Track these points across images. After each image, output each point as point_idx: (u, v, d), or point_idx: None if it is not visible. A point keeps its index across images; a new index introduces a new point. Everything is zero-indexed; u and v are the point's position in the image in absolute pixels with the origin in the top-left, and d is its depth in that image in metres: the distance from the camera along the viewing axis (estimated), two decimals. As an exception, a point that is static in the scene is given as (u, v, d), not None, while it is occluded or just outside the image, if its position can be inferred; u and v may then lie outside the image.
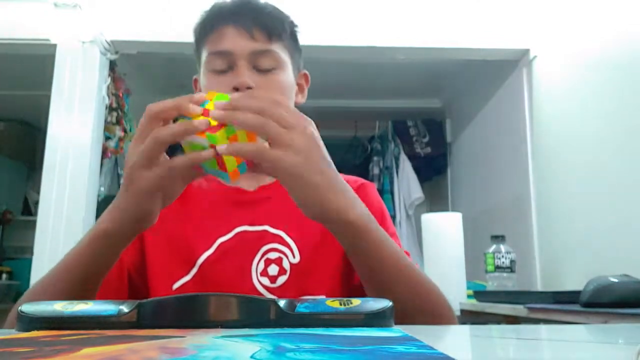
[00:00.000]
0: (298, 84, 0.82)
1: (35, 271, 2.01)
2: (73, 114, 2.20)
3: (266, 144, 0.52)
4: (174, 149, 0.56)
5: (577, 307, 1.14)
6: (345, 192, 0.55)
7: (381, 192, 3.39)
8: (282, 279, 0.70)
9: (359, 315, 0.43)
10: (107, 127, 2.41)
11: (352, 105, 3.67)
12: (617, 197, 1.64)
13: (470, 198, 3.16)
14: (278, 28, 0.75)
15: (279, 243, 0.72)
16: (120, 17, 2.28)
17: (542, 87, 2.22)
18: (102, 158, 2.38)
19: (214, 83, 0.73)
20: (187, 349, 0.30)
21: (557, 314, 1.22)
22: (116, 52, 2.34)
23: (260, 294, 0.69)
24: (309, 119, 0.54)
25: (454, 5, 2.33)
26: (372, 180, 2.53)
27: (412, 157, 3.56)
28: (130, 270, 0.71)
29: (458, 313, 1.94)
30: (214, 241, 0.72)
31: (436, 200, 3.76)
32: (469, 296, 2.01)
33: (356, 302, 0.44)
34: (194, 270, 0.71)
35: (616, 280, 1.12)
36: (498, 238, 2.01)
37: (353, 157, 3.83)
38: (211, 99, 0.53)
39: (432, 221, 2.19)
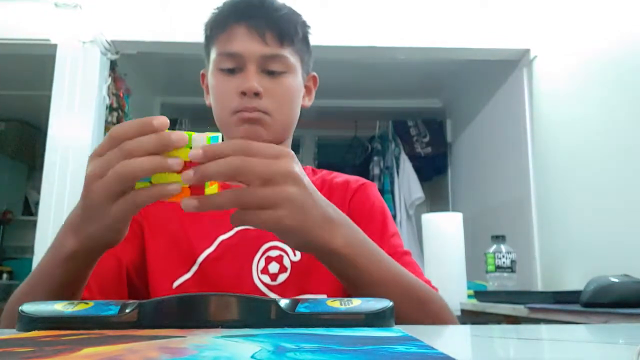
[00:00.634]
0: (306, 87, 0.81)
1: (35, 271, 2.01)
2: (73, 114, 2.20)
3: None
4: None
5: (577, 307, 1.14)
6: (331, 223, 0.52)
7: (382, 192, 3.39)
8: (282, 277, 0.70)
9: (359, 315, 0.43)
10: (108, 127, 2.41)
11: (352, 105, 3.68)
12: (617, 197, 1.64)
13: (471, 198, 3.16)
14: (291, 33, 0.73)
15: (280, 241, 0.72)
16: (120, 17, 2.28)
17: (542, 87, 2.22)
18: (102, 158, 2.38)
19: (222, 83, 0.73)
20: (187, 349, 0.30)
21: (557, 314, 1.22)
22: (116, 52, 2.35)
23: (261, 292, 0.69)
24: (287, 155, 0.49)
25: (454, 5, 2.33)
26: (372, 181, 2.53)
27: (413, 157, 3.56)
28: (129, 269, 0.71)
29: (458, 313, 1.94)
30: (215, 239, 0.72)
31: (436, 200, 3.76)
32: (469, 296, 2.01)
33: (356, 302, 0.44)
34: (195, 268, 0.71)
35: (616, 280, 1.12)
36: (498, 238, 2.01)
37: (353, 157, 3.83)
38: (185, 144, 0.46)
39: (433, 221, 2.19)
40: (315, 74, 0.84)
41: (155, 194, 0.46)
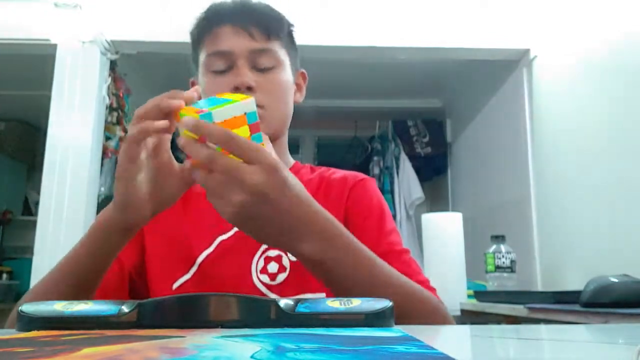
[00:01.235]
0: (296, 83, 0.82)
1: (35, 271, 2.01)
2: (73, 114, 2.20)
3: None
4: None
5: (577, 307, 1.13)
6: (294, 231, 0.52)
7: (381, 192, 3.38)
8: (281, 277, 0.70)
9: (359, 315, 0.43)
10: (108, 127, 2.41)
11: (352, 105, 3.68)
12: (617, 197, 1.64)
13: (471, 198, 3.16)
14: (276, 27, 0.75)
15: None
16: (120, 17, 2.28)
17: (542, 87, 2.22)
18: (102, 158, 2.38)
19: (214, 84, 0.73)
20: (187, 349, 0.30)
21: (557, 314, 1.22)
22: (116, 52, 2.35)
23: (260, 292, 0.69)
24: (270, 162, 0.49)
25: (454, 5, 2.33)
26: (372, 180, 2.53)
27: (413, 157, 3.56)
28: (131, 271, 0.71)
29: (458, 313, 1.94)
30: (214, 239, 0.72)
31: (436, 200, 3.77)
32: (469, 296, 2.01)
33: (356, 302, 0.44)
34: (194, 269, 0.71)
35: (616, 280, 1.12)
36: (498, 238, 2.01)
37: (353, 157, 3.83)
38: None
39: (432, 221, 2.19)
40: (304, 70, 0.85)
41: (141, 127, 0.51)
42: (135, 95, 2.70)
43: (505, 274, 1.95)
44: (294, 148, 0.73)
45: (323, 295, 0.70)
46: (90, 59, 2.25)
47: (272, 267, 0.71)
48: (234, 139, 0.48)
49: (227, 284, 0.69)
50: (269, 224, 0.51)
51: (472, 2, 2.33)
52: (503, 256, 1.96)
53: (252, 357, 0.27)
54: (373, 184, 0.81)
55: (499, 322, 1.60)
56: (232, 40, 0.73)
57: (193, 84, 0.82)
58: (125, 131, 2.54)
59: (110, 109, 2.42)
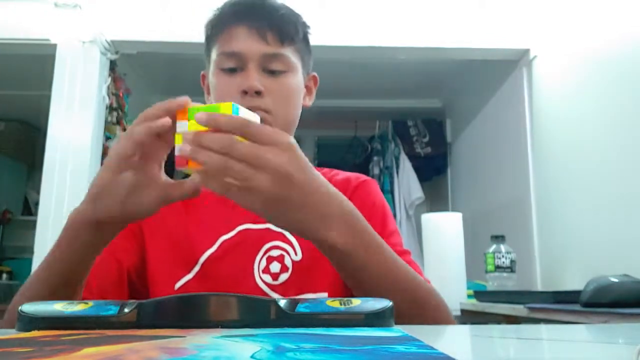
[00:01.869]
0: (306, 87, 0.81)
1: (35, 271, 2.01)
2: (73, 114, 2.20)
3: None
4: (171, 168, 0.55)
5: (577, 307, 1.14)
6: (327, 217, 0.52)
7: (381, 192, 3.39)
8: (284, 277, 0.70)
9: (359, 315, 0.43)
10: (108, 127, 2.41)
11: (352, 105, 3.67)
12: (617, 197, 1.64)
13: (470, 198, 3.16)
14: (291, 32, 0.74)
15: (281, 241, 0.73)
16: (120, 17, 2.28)
17: (542, 87, 2.22)
18: (102, 158, 2.38)
19: (223, 83, 0.73)
20: (187, 349, 0.30)
21: (557, 313, 1.22)
22: (116, 52, 2.34)
23: (263, 292, 0.69)
24: (286, 141, 0.50)
25: (454, 5, 2.33)
26: (372, 180, 2.53)
27: (412, 157, 3.56)
28: (130, 271, 0.71)
29: (458, 313, 1.94)
30: (217, 239, 0.72)
31: (436, 200, 3.76)
32: (469, 296, 2.01)
33: (356, 302, 0.44)
34: (196, 269, 0.71)
35: (616, 280, 1.12)
36: (498, 238, 2.01)
37: (353, 157, 3.83)
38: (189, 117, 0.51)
39: (432, 221, 2.19)
40: (315, 74, 0.84)
41: (145, 125, 0.51)
42: (135, 95, 2.70)
43: (505, 274, 1.95)
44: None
45: (325, 295, 0.70)
46: (90, 59, 2.25)
47: (275, 267, 0.71)
48: (251, 123, 0.49)
49: (229, 284, 0.69)
50: (297, 208, 0.50)
51: (472, 2, 2.33)
52: (503, 256, 1.96)
53: (252, 357, 0.27)
54: (375, 185, 0.81)
55: (499, 322, 1.60)
56: (245, 42, 0.72)
57: (203, 78, 0.82)
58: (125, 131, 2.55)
59: (110, 108, 2.42)
